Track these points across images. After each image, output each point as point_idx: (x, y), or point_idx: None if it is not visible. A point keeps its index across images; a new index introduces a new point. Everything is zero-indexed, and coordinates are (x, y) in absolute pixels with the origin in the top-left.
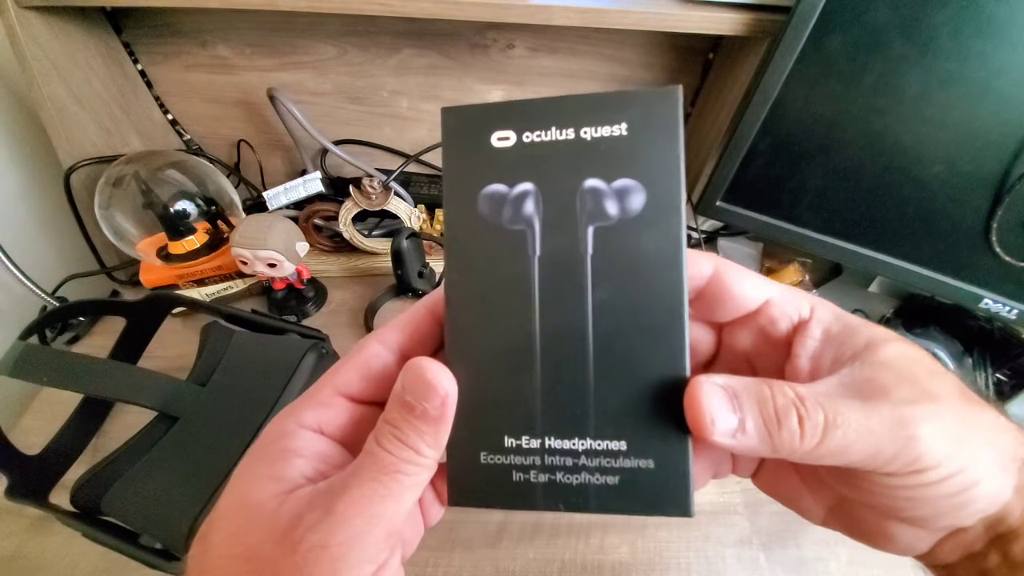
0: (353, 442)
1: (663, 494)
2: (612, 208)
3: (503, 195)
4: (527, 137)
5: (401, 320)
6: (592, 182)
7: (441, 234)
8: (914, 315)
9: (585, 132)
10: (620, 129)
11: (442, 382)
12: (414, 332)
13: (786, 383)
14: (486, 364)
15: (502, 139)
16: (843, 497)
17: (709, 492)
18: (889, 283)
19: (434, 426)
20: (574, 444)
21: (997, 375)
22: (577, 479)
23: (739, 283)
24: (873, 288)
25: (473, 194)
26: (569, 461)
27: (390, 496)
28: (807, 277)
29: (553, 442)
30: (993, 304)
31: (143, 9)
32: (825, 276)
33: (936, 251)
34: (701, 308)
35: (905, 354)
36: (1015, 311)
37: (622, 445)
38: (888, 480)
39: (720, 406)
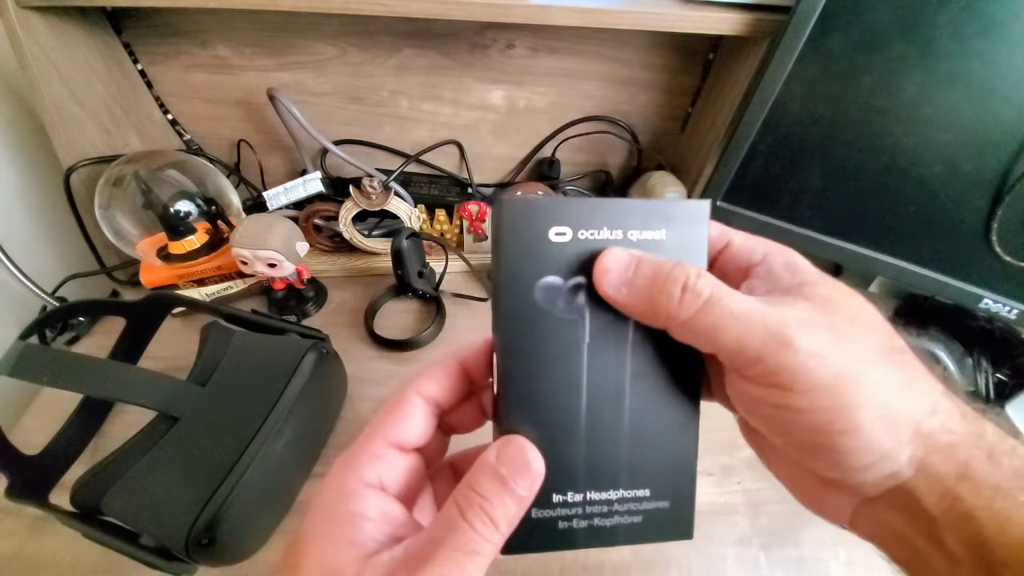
0: (406, 493)
1: (674, 525)
2: None
3: (559, 287)
4: (582, 234)
5: (435, 372)
6: None
7: (442, 233)
8: (914, 315)
9: (632, 234)
10: (660, 234)
11: (538, 464)
12: (448, 384)
13: (693, 266)
14: (539, 434)
15: (559, 234)
16: (767, 441)
17: (709, 492)
18: (889, 283)
19: (519, 505)
20: (609, 495)
21: (997, 375)
22: (611, 521)
23: None
24: (873, 288)
25: (531, 283)
26: (605, 509)
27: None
28: None
29: (592, 495)
30: (993, 304)
31: (143, 9)
32: None
33: (936, 251)
34: None
35: (831, 295)
36: (1015, 311)
37: (646, 492)
38: (754, 389)
39: (618, 263)
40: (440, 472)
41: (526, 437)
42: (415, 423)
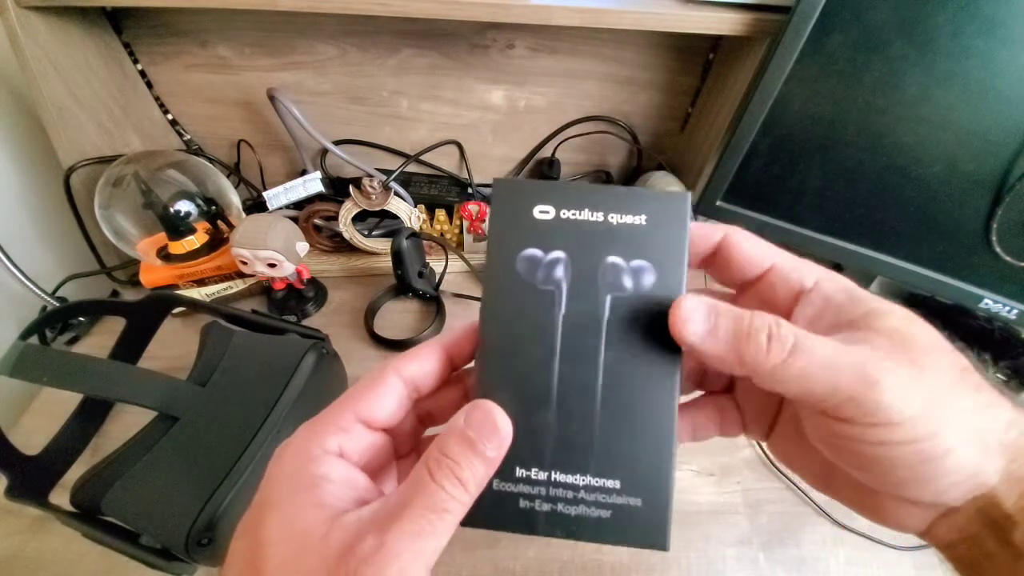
0: (369, 468)
1: (646, 529)
2: (628, 282)
3: (538, 259)
4: (564, 214)
5: (419, 353)
6: (613, 259)
7: (441, 234)
8: None
9: (612, 217)
10: (640, 219)
11: (506, 426)
12: (429, 368)
13: (770, 314)
14: (510, 402)
15: (543, 212)
16: (831, 464)
17: (709, 492)
18: (889, 283)
19: (487, 467)
20: (576, 480)
21: (997, 375)
22: (576, 510)
23: (743, 244)
24: (873, 288)
25: (513, 255)
26: (570, 494)
27: (435, 534)
28: None
29: (558, 476)
30: (993, 304)
31: (143, 9)
32: None
33: (936, 251)
34: (714, 272)
35: (902, 327)
36: (1015, 311)
37: (616, 484)
38: (848, 429)
39: (697, 311)
40: (409, 460)
41: (497, 403)
42: (388, 401)
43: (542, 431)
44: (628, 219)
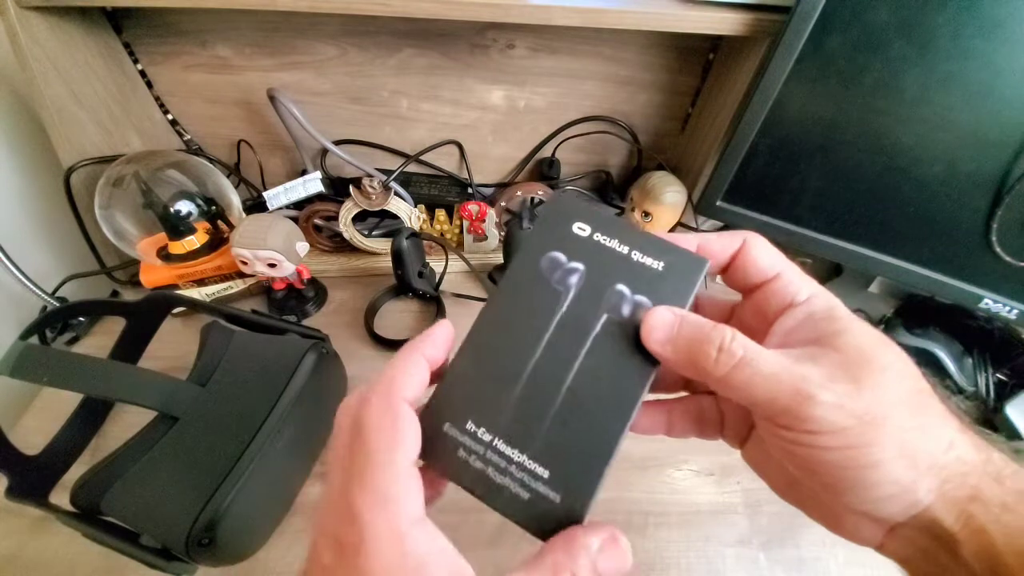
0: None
1: (550, 523)
2: (626, 310)
3: (560, 262)
4: (596, 236)
5: (435, 337)
6: (622, 287)
7: (442, 233)
8: (914, 315)
9: (635, 254)
10: (658, 265)
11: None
12: (444, 350)
13: (729, 328)
14: (487, 365)
15: (581, 228)
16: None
17: (709, 492)
18: (889, 283)
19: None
20: (513, 454)
21: (997, 375)
22: (501, 480)
23: (758, 253)
24: (873, 288)
25: (542, 251)
26: (503, 464)
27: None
28: None
29: (500, 444)
30: (993, 304)
31: (143, 9)
32: (825, 276)
33: (936, 251)
34: (727, 277)
35: (863, 346)
36: (1015, 311)
37: (545, 473)
38: (787, 434)
39: (664, 322)
40: None
41: (477, 359)
42: (421, 379)
43: (503, 402)
44: (648, 260)
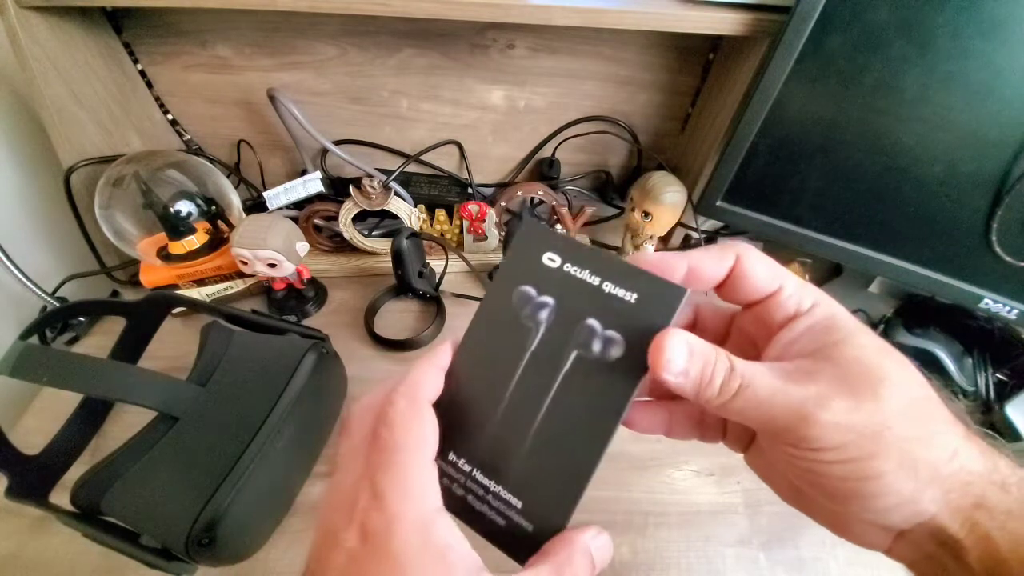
0: None
1: (527, 552)
2: (596, 347)
3: (530, 297)
4: (567, 267)
5: (445, 349)
6: (592, 321)
7: (442, 233)
8: (914, 315)
9: (606, 286)
10: (630, 297)
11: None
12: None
13: (730, 355)
14: (466, 398)
15: (551, 259)
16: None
17: (709, 492)
18: (889, 283)
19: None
20: (489, 484)
21: (997, 375)
22: (479, 506)
23: (755, 268)
24: (873, 288)
25: (513, 285)
26: (481, 492)
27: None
28: (807, 277)
29: (477, 475)
30: (993, 304)
31: (143, 9)
32: (825, 276)
33: (936, 251)
34: (723, 294)
35: (864, 357)
36: (1015, 311)
37: (519, 504)
38: (789, 449)
39: (680, 352)
40: None
41: (456, 400)
42: (438, 386)
43: (481, 435)
44: (619, 292)
